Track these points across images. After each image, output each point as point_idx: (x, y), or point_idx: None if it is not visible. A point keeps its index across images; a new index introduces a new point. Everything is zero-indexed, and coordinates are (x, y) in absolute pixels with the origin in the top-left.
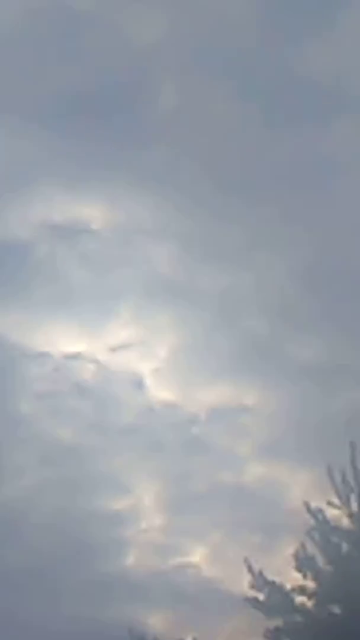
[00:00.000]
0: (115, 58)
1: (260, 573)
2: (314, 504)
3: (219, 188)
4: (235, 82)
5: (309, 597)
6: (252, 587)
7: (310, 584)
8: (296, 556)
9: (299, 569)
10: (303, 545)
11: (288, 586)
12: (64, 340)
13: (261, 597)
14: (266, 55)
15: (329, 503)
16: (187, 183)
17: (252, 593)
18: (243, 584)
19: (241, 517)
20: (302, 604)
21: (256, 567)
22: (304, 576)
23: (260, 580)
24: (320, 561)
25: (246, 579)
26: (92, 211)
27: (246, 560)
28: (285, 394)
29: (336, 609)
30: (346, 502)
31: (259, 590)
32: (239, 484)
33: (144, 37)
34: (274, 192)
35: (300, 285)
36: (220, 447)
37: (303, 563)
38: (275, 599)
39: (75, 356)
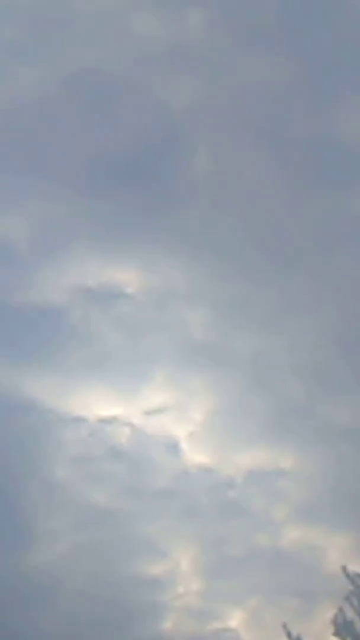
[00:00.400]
0: (149, 122)
1: (299, 638)
2: (351, 568)
3: (254, 251)
4: (269, 145)
5: None
6: None
7: None
8: (335, 621)
9: (337, 634)
10: (341, 610)
11: None
12: (99, 404)
13: None
14: (301, 118)
15: None
16: (222, 246)
17: None
18: None
19: (279, 581)
20: None
21: (294, 633)
22: None
23: None
24: (359, 626)
25: None
26: (126, 275)
27: (284, 626)
28: (321, 456)
29: None
30: None
31: None
32: (276, 547)
33: (178, 100)
34: (307, 255)
35: (334, 347)
36: (256, 511)
37: (341, 628)
38: None
39: (110, 420)
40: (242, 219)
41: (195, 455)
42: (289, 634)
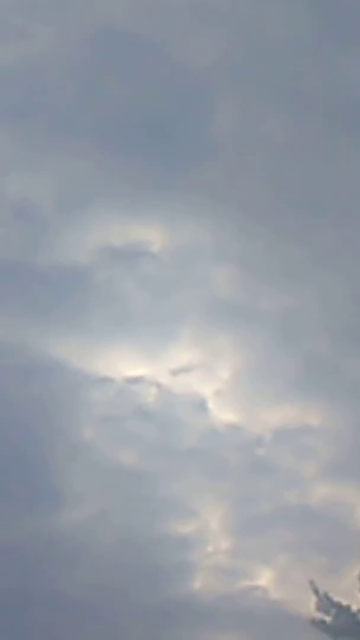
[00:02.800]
0: (171, 80)
1: (326, 595)
2: None
3: (278, 207)
4: (291, 99)
5: None
6: (318, 609)
7: None
8: None
9: None
10: None
11: (355, 608)
12: (125, 364)
13: (328, 619)
14: (320, 71)
15: None
16: (246, 202)
17: (318, 615)
18: (310, 606)
19: (307, 538)
20: None
21: (322, 590)
22: None
23: (326, 603)
24: None
25: (313, 601)
26: (150, 234)
27: (312, 583)
28: (350, 413)
29: None
30: None
31: (326, 612)
32: (305, 505)
33: (200, 58)
34: (335, 209)
35: None
36: (285, 469)
37: None
38: (341, 621)
39: (137, 380)
40: (266, 174)
41: (223, 414)
42: (316, 591)
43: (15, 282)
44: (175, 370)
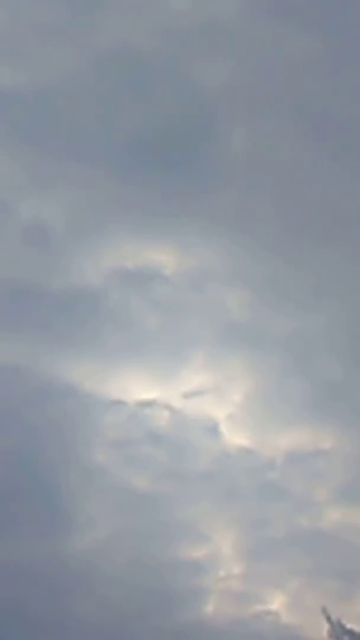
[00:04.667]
0: (184, 103)
1: (339, 622)
2: None
3: (289, 231)
4: (305, 124)
5: None
6: (331, 636)
7: None
8: None
9: None
10: None
11: None
12: (138, 387)
13: None
14: (334, 94)
15: None
16: (258, 227)
17: None
18: (323, 631)
19: (320, 562)
20: None
21: (334, 615)
22: None
23: (338, 630)
24: None
25: (326, 628)
26: (163, 257)
27: (324, 609)
28: None
29: None
30: None
31: (338, 639)
32: (317, 529)
33: (212, 81)
34: (343, 234)
35: None
36: (297, 492)
37: None
38: None
39: (149, 403)
40: (278, 199)
41: (235, 437)
42: (328, 618)
43: (28, 305)
44: (187, 393)
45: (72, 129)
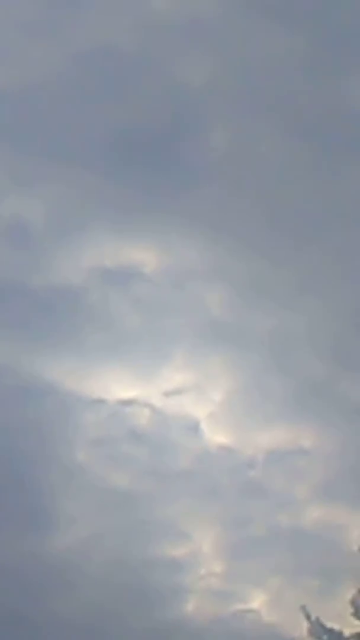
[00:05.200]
0: (165, 101)
1: (318, 620)
2: None
3: (270, 229)
4: (286, 122)
5: None
6: (310, 634)
7: None
8: (353, 602)
9: (356, 614)
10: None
11: (347, 633)
12: (118, 386)
13: None
14: (314, 92)
15: None
16: (239, 225)
17: None
18: (303, 629)
19: (300, 561)
20: None
21: (314, 614)
22: None
23: (318, 629)
24: None
25: (305, 626)
26: (143, 255)
27: (303, 608)
28: (341, 435)
29: None
30: None
31: (317, 637)
32: (298, 527)
33: (194, 79)
34: (325, 232)
35: (352, 325)
36: (278, 491)
37: None
38: None
39: (130, 402)
40: (258, 197)
41: (216, 436)
42: (308, 616)
43: (7, 303)
44: (168, 392)
45: (53, 127)
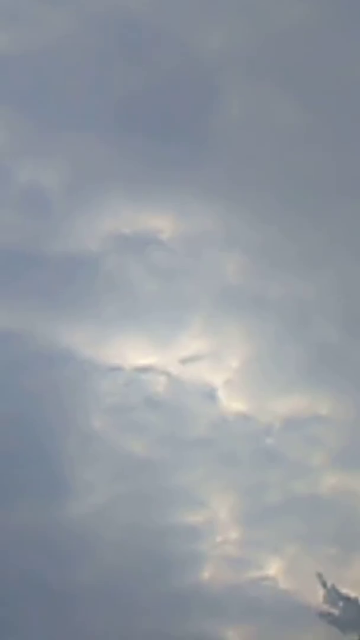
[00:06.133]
0: (182, 69)
1: (334, 588)
2: None
3: (287, 196)
4: (302, 92)
5: None
6: (326, 602)
7: None
8: None
9: None
10: None
11: None
12: (135, 353)
13: (336, 612)
14: (332, 62)
15: None
16: (256, 191)
17: (326, 608)
18: (320, 596)
19: (317, 528)
20: None
21: (330, 581)
22: None
23: (334, 595)
24: None
25: (321, 593)
26: (160, 222)
27: (319, 575)
28: (358, 402)
29: None
30: None
31: (333, 605)
32: (314, 494)
33: (210, 47)
34: (343, 197)
35: None
36: (294, 458)
37: None
38: (349, 613)
39: (146, 369)
40: (278, 159)
41: (232, 403)
42: (324, 583)
43: (24, 271)
44: (184, 359)
45: (69, 94)
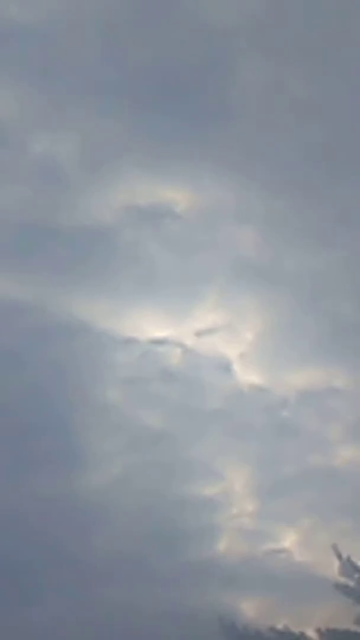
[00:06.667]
0: (196, 38)
1: (349, 559)
2: None
3: (305, 166)
4: (315, 65)
5: None
6: (342, 573)
7: None
8: None
9: None
10: None
11: None
12: (150, 325)
13: (351, 583)
14: (346, 32)
15: None
16: (272, 162)
17: (342, 580)
18: (335, 569)
19: (332, 501)
20: None
21: (345, 553)
22: None
23: (349, 567)
24: None
25: (337, 565)
26: (175, 194)
27: (334, 547)
28: None
29: None
30: None
31: (349, 576)
32: (330, 467)
33: (225, 16)
34: (357, 173)
35: None
36: (310, 431)
37: None
38: None
39: (162, 341)
40: (293, 132)
41: (248, 376)
42: (339, 555)
43: (38, 243)
44: (200, 331)
45: (84, 67)
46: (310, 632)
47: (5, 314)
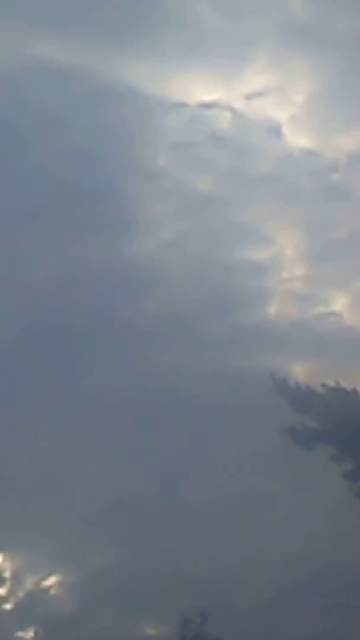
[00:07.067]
0: None
1: None
2: None
3: None
4: None
5: None
6: None
7: None
8: None
9: None
10: None
11: None
12: (199, 89)
13: None
14: None
15: None
16: None
17: None
18: None
19: None
20: None
21: None
22: None
23: None
24: None
25: None
26: None
27: None
28: None
29: None
30: None
31: None
32: None
33: None
34: None
35: None
36: None
37: None
38: None
39: (211, 105)
40: None
41: (298, 139)
42: None
43: (86, 8)
44: (249, 94)
45: None
46: None
47: (53, 79)
